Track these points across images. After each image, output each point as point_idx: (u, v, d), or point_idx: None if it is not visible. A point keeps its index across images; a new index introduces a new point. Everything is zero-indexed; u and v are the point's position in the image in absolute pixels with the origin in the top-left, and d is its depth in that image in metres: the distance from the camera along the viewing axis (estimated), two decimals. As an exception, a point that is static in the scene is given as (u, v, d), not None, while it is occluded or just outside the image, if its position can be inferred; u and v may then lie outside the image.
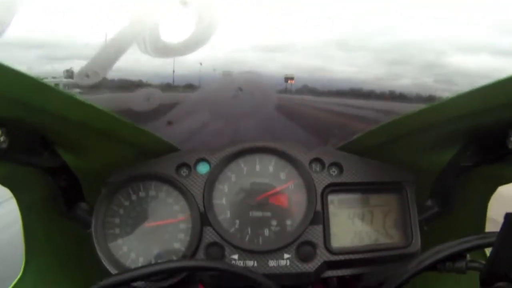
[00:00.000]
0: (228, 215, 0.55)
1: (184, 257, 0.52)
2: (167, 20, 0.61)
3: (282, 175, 0.57)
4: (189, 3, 0.61)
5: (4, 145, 0.39)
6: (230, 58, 0.91)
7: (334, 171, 0.57)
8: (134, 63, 0.65)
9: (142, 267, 0.44)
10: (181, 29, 0.61)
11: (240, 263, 0.53)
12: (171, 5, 0.60)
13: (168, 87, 1.05)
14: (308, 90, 1.19)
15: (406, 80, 1.18)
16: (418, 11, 0.90)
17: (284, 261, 0.53)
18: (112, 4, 0.63)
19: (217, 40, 0.64)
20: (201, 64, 0.83)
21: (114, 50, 0.56)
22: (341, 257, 0.54)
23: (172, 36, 0.59)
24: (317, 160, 0.58)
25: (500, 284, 0.32)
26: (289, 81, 1.14)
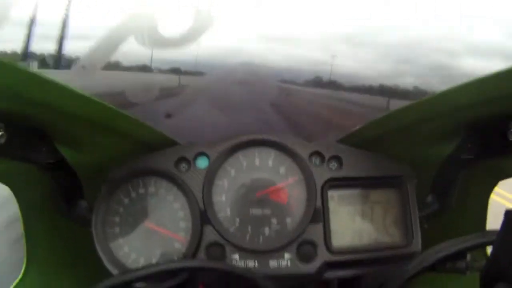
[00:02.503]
0: (228, 213, 0.54)
1: (185, 257, 0.52)
2: (165, 12, 0.59)
3: (282, 170, 0.56)
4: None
5: (2, 140, 0.38)
6: (231, 48, 0.89)
7: (334, 165, 0.56)
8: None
9: (143, 267, 0.44)
10: (178, 21, 0.59)
11: (241, 264, 0.52)
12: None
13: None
14: (316, 83, 1.15)
15: (410, 79, 1.15)
16: (432, 10, 0.87)
17: (285, 262, 0.53)
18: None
19: (217, 30, 0.62)
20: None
21: (111, 43, 0.55)
22: (342, 257, 0.53)
23: (169, 28, 0.58)
24: (317, 153, 0.57)
25: (501, 285, 0.31)
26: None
